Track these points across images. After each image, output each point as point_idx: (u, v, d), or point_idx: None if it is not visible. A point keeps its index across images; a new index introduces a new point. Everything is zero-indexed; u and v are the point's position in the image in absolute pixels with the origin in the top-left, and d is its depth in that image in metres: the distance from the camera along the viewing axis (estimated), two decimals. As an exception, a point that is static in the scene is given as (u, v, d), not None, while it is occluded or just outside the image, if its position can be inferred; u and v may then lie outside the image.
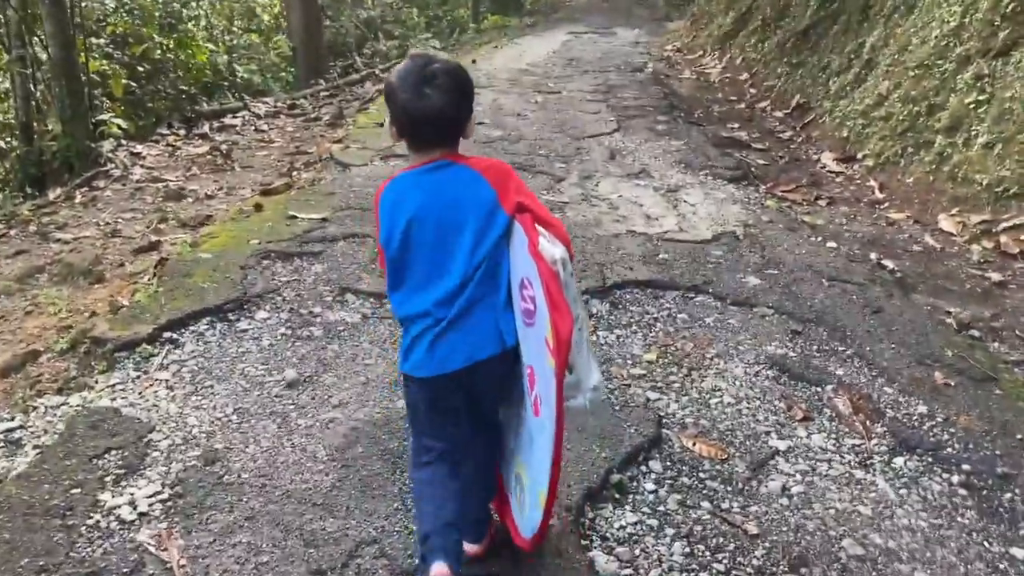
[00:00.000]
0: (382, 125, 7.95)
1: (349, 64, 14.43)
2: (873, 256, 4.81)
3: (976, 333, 3.88)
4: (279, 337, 3.66)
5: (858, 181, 6.37)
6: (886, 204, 5.82)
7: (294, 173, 7.01)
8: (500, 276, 1.98)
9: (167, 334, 3.62)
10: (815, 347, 3.67)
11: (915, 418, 3.12)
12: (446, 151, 1.98)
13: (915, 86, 6.35)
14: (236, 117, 10.35)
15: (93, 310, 4.15)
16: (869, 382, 3.37)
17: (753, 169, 6.74)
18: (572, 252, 1.96)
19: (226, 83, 11.30)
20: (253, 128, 9.71)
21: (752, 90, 10.04)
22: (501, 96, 9.64)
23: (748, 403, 3.21)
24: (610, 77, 11.24)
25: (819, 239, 5.08)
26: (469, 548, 2.20)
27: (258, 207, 5.27)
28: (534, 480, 2.07)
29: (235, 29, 12.28)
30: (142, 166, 7.64)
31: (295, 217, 5.11)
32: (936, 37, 6.32)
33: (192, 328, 3.70)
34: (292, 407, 3.11)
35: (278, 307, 3.94)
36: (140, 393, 3.18)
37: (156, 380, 3.27)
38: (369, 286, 4.16)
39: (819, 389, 3.31)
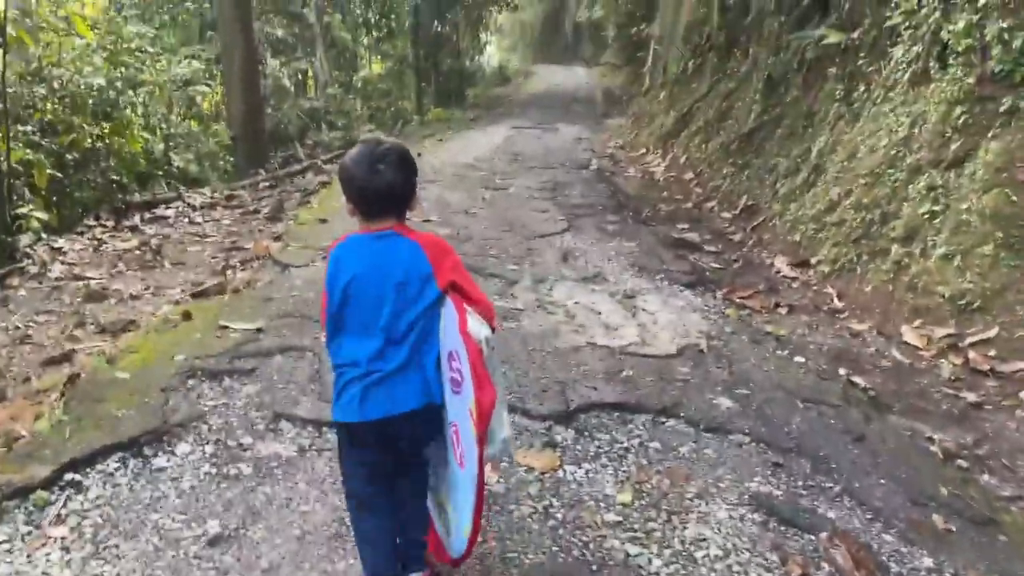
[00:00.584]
0: (324, 221, 7.61)
1: (291, 154, 14.13)
2: (843, 372, 4.57)
3: (964, 464, 3.62)
4: (202, 477, 3.17)
5: (815, 287, 6.23)
6: (846, 313, 5.65)
7: (229, 272, 6.57)
8: (430, 342, 2.17)
9: (69, 475, 3.10)
10: (800, 483, 3.35)
11: (922, 574, 2.79)
12: (394, 222, 2.20)
13: (867, 194, 6.31)
14: (170, 208, 9.87)
15: (-14, 439, 3.59)
16: (865, 527, 3.05)
17: (708, 273, 6.56)
18: (494, 327, 2.17)
19: (161, 172, 10.83)
20: (187, 220, 9.24)
21: (698, 189, 10.05)
22: (448, 192, 9.42)
23: (738, 555, 2.84)
24: (556, 174, 11.17)
25: (785, 353, 4.84)
26: None
27: (186, 315, 4.77)
28: (459, 514, 2.26)
29: (173, 117, 11.90)
30: (62, 262, 7.08)
31: (227, 327, 4.66)
32: (885, 146, 6.33)
33: (100, 467, 3.18)
34: (213, 572, 2.61)
35: (203, 438, 3.45)
36: (29, 557, 2.65)
37: (50, 538, 2.75)
38: (308, 411, 3.71)
39: (813, 537, 2.97)
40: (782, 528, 3.03)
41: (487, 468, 2.65)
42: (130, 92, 11.02)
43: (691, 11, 13.78)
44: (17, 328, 5.43)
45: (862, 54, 7.55)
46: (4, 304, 6.04)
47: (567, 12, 33.04)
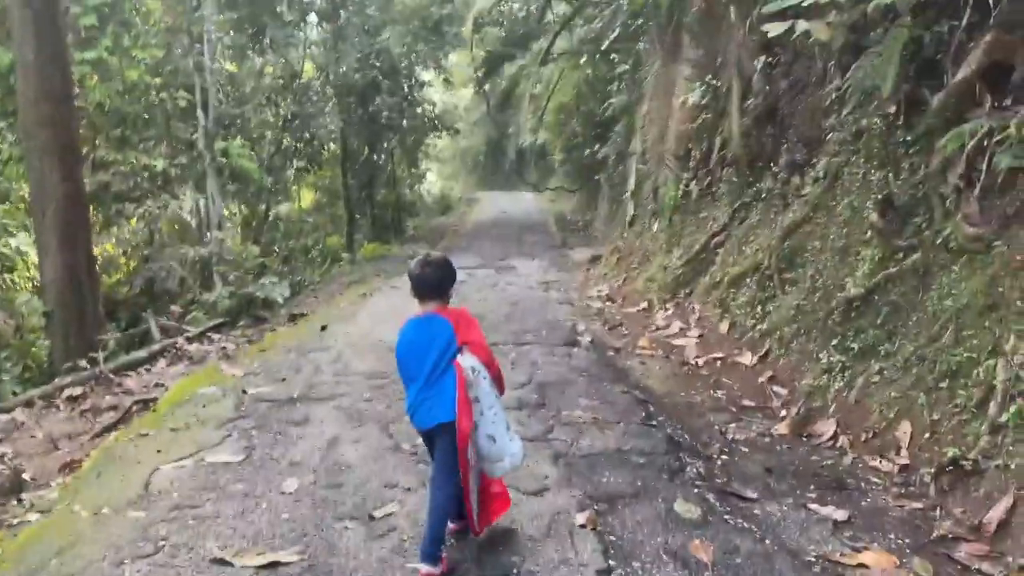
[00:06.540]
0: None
1: (145, 330, 9.42)
2: None
3: None
4: None
5: None
6: None
7: None
8: (448, 378, 3.17)
9: None
10: None
11: None
12: (436, 304, 3.28)
13: None
14: None
15: None
16: None
17: None
18: (493, 364, 3.28)
19: None
20: None
21: (777, 388, 5.65)
22: (346, 434, 4.79)
23: None
24: (534, 359, 6.70)
25: None
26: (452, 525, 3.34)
27: None
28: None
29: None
30: None
31: None
32: None
33: None
34: None
35: None
36: None
37: None
38: None
39: None
40: None
41: None
42: None
43: (688, 118, 9.83)
44: None
45: None
46: None
47: (510, 137, 29.65)
